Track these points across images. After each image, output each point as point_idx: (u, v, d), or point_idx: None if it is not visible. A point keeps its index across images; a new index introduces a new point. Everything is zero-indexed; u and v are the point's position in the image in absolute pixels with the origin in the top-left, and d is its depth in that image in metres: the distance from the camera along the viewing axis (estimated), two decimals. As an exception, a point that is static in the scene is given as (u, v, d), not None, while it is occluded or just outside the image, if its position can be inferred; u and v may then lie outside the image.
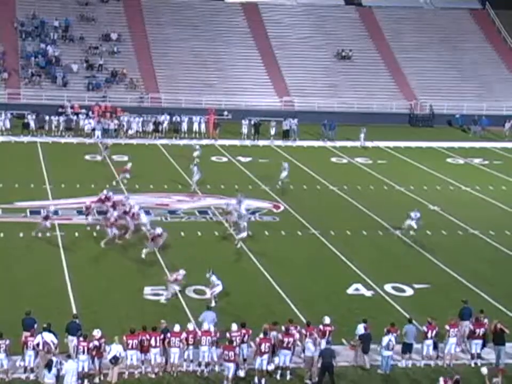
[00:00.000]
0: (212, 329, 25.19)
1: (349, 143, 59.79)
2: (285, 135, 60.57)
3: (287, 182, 46.54)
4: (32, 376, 23.78)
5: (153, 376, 24.36)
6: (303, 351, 24.80)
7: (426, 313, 28.02)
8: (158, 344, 24.40)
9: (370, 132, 61.95)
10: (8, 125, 57.60)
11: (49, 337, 23.90)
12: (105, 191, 39.41)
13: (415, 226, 38.04)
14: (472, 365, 25.98)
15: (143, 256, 33.59)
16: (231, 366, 23.94)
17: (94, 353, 23.75)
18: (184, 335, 24.71)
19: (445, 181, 49.91)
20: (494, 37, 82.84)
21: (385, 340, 25.07)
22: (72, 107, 62.56)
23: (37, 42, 71.96)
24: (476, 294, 31.38)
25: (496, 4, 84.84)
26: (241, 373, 24.44)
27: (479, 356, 26.12)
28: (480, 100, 72.72)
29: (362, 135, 59.94)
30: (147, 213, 39.73)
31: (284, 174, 46.52)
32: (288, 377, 24.69)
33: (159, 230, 34.43)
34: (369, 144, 59.71)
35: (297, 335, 25.05)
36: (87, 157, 52.20)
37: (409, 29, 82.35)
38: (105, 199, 38.60)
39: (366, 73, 75.92)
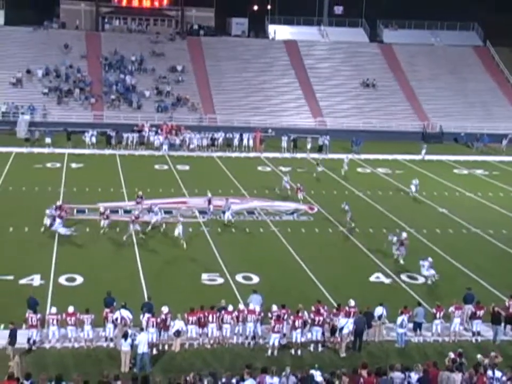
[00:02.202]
0: (258, 309, 25.23)
1: (371, 156, 59.31)
2: (320, 149, 60.35)
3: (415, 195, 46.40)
4: (111, 345, 24.10)
5: (209, 346, 24.49)
6: (340, 329, 24.58)
7: (435, 298, 27.83)
8: (214, 320, 24.53)
9: (389, 147, 61.66)
10: (94, 141, 58.11)
11: (125, 313, 24.21)
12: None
13: None
14: (473, 341, 25.71)
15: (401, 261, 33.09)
16: (278, 336, 24.01)
17: (161, 326, 24.00)
18: (235, 313, 24.85)
19: (452, 188, 49.35)
20: (493, 69, 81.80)
21: (399, 319, 25.02)
22: (142, 125, 62.66)
23: (117, 73, 72.67)
24: (477, 282, 31.01)
25: (495, 42, 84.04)
26: (284, 341, 24.55)
27: (479, 333, 25.89)
28: (482, 121, 71.77)
29: (423, 151, 59.61)
30: (204, 213, 39.85)
31: (413, 188, 46.10)
32: (320, 349, 24.66)
33: (404, 235, 33.99)
34: (388, 157, 59.24)
35: (325, 314, 25.01)
36: (156, 167, 52.56)
37: (423, 62, 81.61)
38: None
39: (386, 98, 75.46)
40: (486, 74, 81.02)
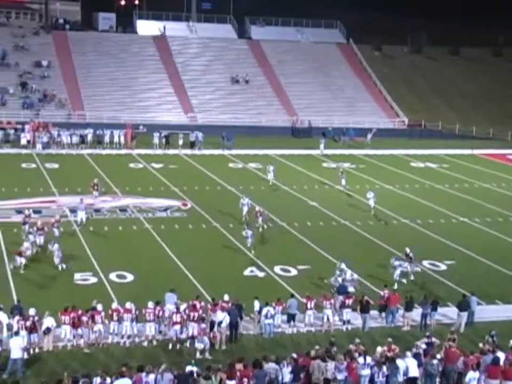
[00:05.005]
0: (171, 307, 25.16)
1: (243, 151, 59.81)
2: (192, 145, 60.38)
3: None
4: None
5: (83, 347, 23.96)
6: (219, 324, 24.68)
7: (307, 289, 28.49)
8: (88, 320, 24.04)
9: (259, 142, 62.34)
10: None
11: (2, 316, 23.34)
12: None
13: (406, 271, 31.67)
14: (344, 329, 26.54)
15: None
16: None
17: (30, 328, 23.25)
18: (109, 312, 24.48)
19: (321, 181, 50.48)
20: (356, 66, 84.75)
21: (264, 310, 25.49)
22: (9, 123, 60.53)
23: (-23, 67, 69.80)
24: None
25: (357, 40, 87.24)
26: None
27: (349, 322, 26.76)
28: (347, 116, 74.25)
29: (322, 145, 60.55)
30: (75, 211, 38.80)
31: (371, 203, 42.54)
32: (196, 344, 24.66)
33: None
34: (259, 152, 59.93)
35: (201, 311, 25.11)
36: (23, 165, 50.78)
37: (290, 59, 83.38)
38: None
39: (256, 94, 76.55)
40: (350, 70, 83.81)
